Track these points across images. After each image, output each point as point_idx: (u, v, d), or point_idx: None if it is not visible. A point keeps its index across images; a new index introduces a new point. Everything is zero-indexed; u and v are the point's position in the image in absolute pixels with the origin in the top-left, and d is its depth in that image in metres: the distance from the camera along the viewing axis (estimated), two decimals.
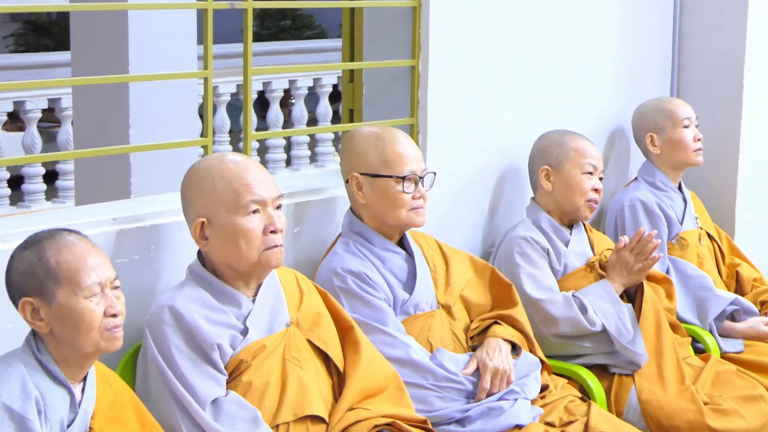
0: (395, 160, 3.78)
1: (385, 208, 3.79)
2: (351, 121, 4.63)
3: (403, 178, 3.77)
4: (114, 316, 2.82)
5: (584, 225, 4.52)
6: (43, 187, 8.57)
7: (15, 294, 2.82)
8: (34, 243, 2.83)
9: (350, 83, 4.69)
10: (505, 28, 4.68)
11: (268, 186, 3.35)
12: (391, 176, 3.77)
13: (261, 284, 3.38)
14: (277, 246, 3.31)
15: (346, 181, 3.85)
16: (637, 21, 5.36)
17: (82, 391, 2.85)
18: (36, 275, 2.78)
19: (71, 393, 2.81)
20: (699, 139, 5.01)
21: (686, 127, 4.99)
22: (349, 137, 3.89)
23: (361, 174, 3.80)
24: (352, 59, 4.64)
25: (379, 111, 4.54)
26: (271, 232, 3.31)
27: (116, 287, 2.86)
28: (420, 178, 3.81)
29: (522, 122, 4.75)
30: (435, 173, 3.88)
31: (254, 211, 3.29)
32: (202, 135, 3.97)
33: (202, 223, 3.30)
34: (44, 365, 2.79)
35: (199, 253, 3.38)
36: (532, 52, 4.81)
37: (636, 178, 5.08)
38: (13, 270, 2.82)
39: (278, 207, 3.35)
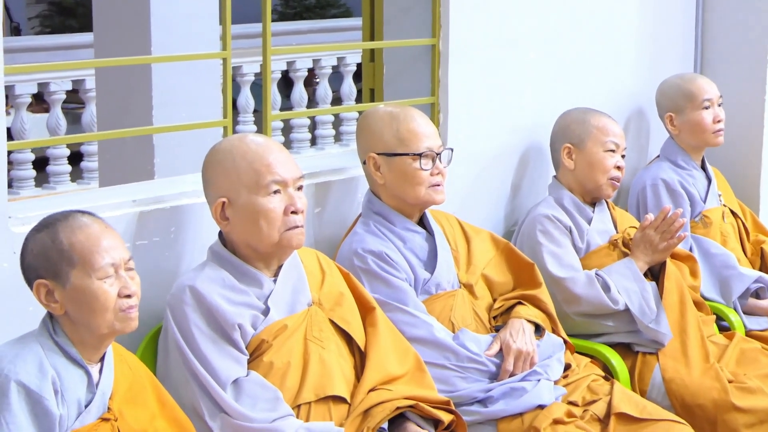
0: (411, 138, 3.76)
1: (403, 187, 3.77)
2: (372, 100, 4.62)
3: (420, 155, 3.75)
4: (128, 296, 2.82)
5: (607, 203, 4.49)
6: (68, 168, 8.58)
7: (30, 276, 2.82)
8: (48, 225, 2.82)
9: (371, 63, 4.68)
10: (525, 5, 4.65)
11: (289, 166, 3.34)
12: (407, 154, 3.75)
13: (282, 264, 3.38)
14: (297, 226, 3.31)
15: (364, 162, 3.84)
16: None
17: (100, 371, 2.85)
18: (50, 257, 2.78)
19: (88, 374, 2.82)
20: (719, 120, 4.95)
21: (706, 108, 4.93)
22: (363, 118, 3.88)
23: (377, 154, 3.78)
24: (372, 39, 4.62)
25: (399, 90, 4.52)
26: (292, 212, 3.30)
27: (130, 268, 2.86)
28: (437, 154, 3.79)
29: (543, 100, 4.73)
30: (452, 149, 3.86)
31: (275, 192, 3.29)
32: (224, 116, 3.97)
33: (223, 203, 3.29)
34: (61, 346, 2.79)
35: (221, 233, 3.38)
36: (553, 29, 4.79)
37: (658, 156, 5.05)
38: (27, 252, 2.82)
39: (299, 188, 3.35)
